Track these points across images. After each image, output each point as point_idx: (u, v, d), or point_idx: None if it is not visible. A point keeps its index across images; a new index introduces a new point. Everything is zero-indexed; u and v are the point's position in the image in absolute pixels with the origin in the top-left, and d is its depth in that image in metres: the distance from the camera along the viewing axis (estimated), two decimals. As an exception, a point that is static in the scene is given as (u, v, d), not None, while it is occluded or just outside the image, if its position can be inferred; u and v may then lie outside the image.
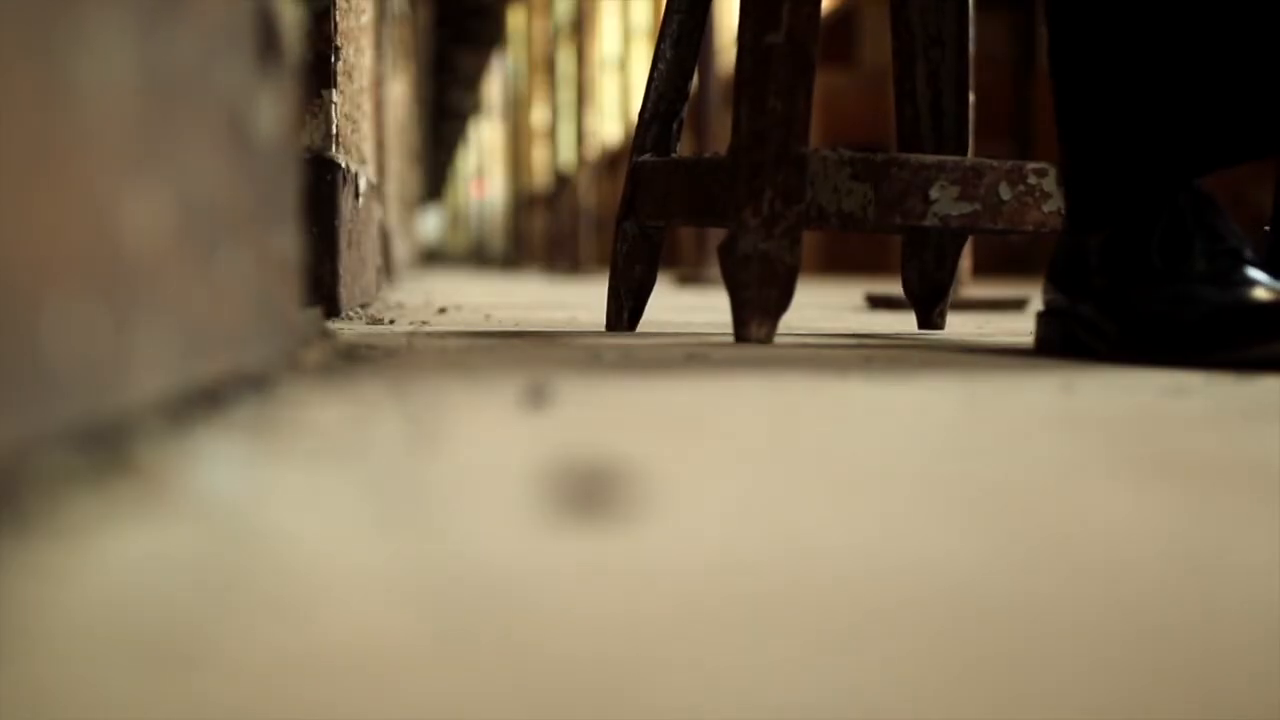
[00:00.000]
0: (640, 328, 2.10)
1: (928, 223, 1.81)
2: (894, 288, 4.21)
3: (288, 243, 1.03)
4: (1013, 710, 0.38)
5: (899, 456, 0.80)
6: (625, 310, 2.03)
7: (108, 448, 0.67)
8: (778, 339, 1.86)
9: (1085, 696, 0.39)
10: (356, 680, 0.39)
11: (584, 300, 3.57)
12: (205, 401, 0.84)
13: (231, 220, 0.87)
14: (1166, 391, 1.16)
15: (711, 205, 1.83)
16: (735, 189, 1.76)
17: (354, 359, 1.34)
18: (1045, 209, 1.85)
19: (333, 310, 2.14)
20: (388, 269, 4.04)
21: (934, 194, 1.81)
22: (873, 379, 1.27)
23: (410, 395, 1.04)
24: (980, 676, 0.40)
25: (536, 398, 1.03)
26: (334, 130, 2.16)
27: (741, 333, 1.74)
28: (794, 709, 0.37)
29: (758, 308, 1.74)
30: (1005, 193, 1.83)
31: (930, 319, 2.20)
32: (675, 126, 2.01)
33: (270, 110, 0.95)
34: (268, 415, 0.88)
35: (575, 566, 0.52)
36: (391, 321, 2.20)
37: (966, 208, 1.82)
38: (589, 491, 0.67)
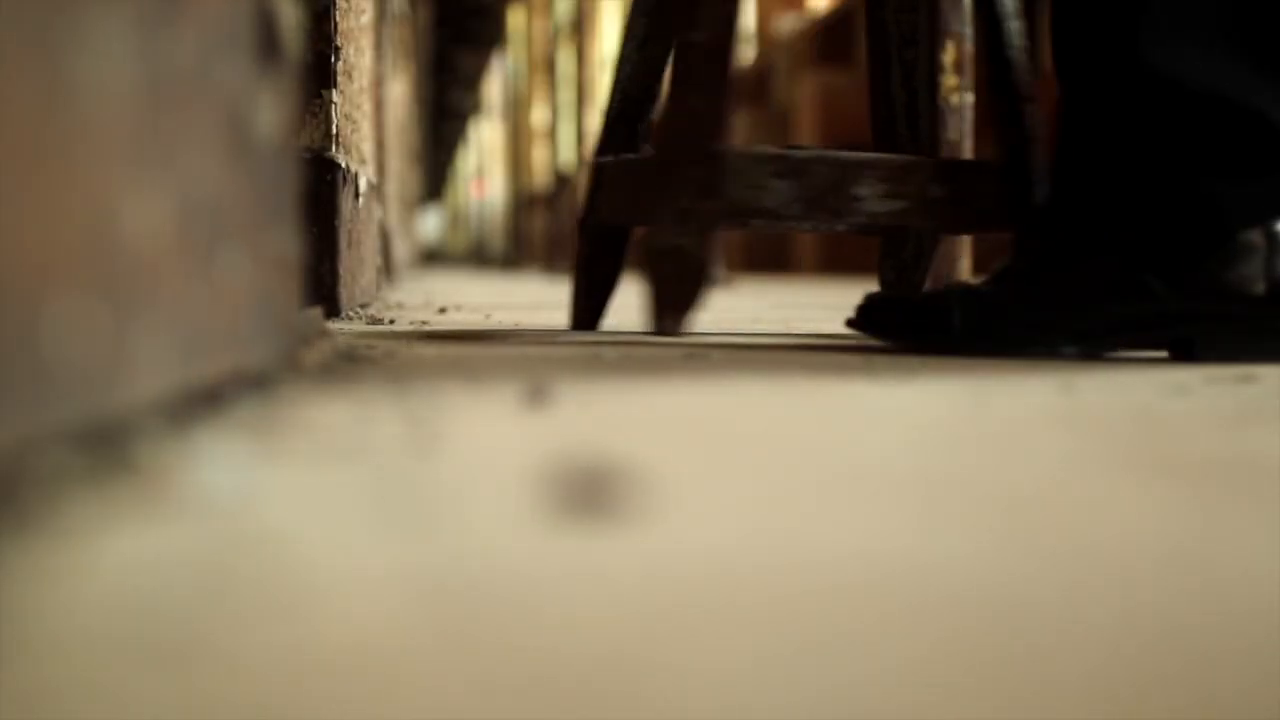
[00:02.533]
0: (639, 327, 2.10)
1: (855, 220, 1.82)
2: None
3: (288, 243, 1.03)
4: (1012, 709, 0.38)
5: (899, 457, 0.80)
6: (588, 310, 2.04)
7: (108, 448, 0.67)
8: (777, 339, 1.86)
9: (1084, 695, 0.39)
10: (356, 680, 0.39)
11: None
12: (205, 401, 0.84)
13: (231, 220, 0.87)
14: (1166, 391, 1.16)
15: (642, 203, 1.85)
16: (656, 186, 1.79)
17: (354, 359, 1.34)
18: (978, 207, 1.84)
19: (333, 310, 2.14)
20: (388, 269, 4.04)
21: (861, 191, 1.81)
22: (873, 379, 1.27)
23: (410, 395, 1.04)
24: (980, 675, 0.40)
25: (537, 398, 1.03)
26: (334, 130, 2.16)
27: (654, 325, 1.77)
28: (795, 709, 0.37)
29: (671, 302, 1.77)
30: (936, 190, 1.83)
31: None
32: (641, 127, 2.02)
33: (270, 110, 0.95)
34: (268, 415, 0.88)
35: (575, 567, 0.52)
36: (391, 321, 2.20)
37: (895, 205, 1.82)
38: (589, 492, 0.67)
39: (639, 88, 2.01)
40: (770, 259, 8.45)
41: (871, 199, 1.81)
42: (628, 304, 2.35)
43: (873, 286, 2.08)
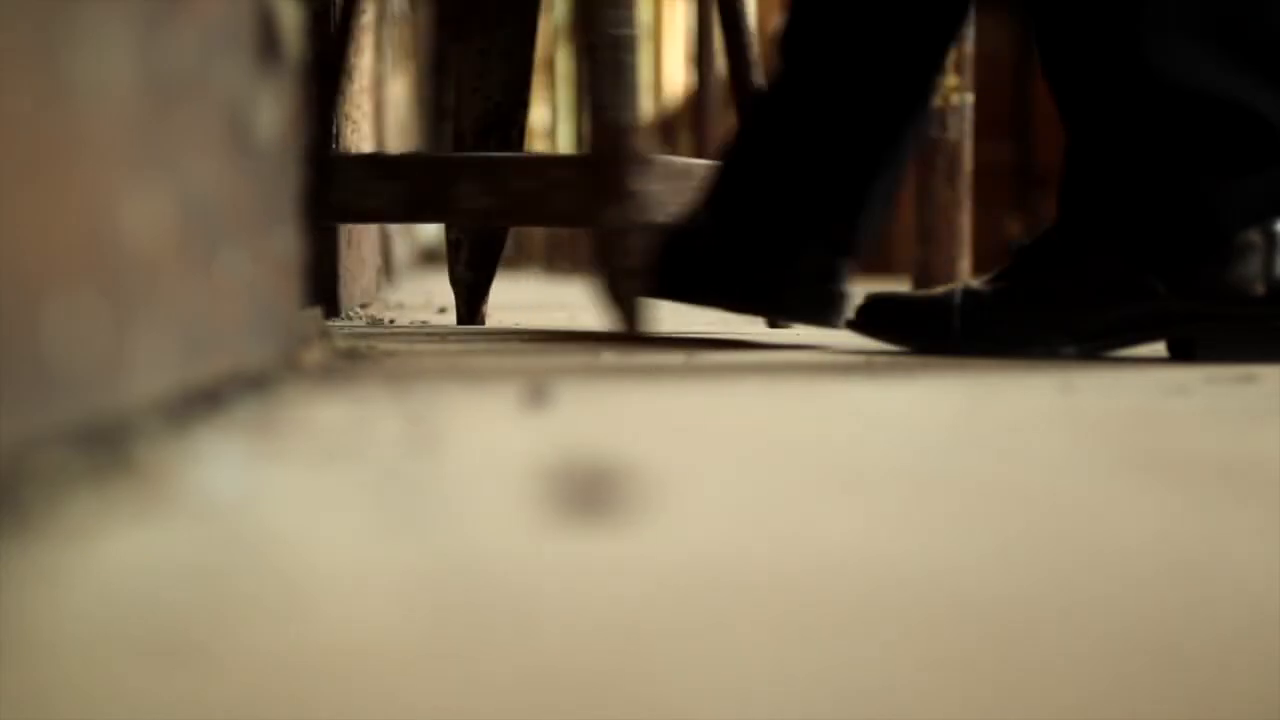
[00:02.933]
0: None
1: (457, 218, 1.91)
2: (895, 288, 4.19)
3: (288, 243, 1.03)
4: (1010, 708, 0.38)
5: (899, 457, 0.80)
6: (464, 306, 2.15)
7: (108, 448, 0.67)
8: (779, 339, 1.86)
9: (1082, 695, 0.39)
10: (356, 680, 0.39)
11: (584, 301, 3.57)
12: (205, 401, 0.84)
13: (231, 220, 0.87)
14: (1166, 391, 1.16)
15: None
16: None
17: (354, 359, 1.34)
18: (562, 202, 1.85)
19: (333, 310, 2.14)
20: (388, 269, 4.03)
21: (458, 190, 1.86)
22: (873, 379, 1.27)
23: (410, 395, 1.04)
24: (979, 675, 0.40)
25: (536, 398, 1.03)
26: (334, 130, 2.16)
27: None
28: (793, 708, 0.37)
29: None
30: (523, 186, 1.85)
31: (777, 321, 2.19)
32: (515, 133, 2.10)
33: (270, 110, 0.95)
34: (268, 415, 0.88)
35: (575, 567, 0.52)
36: (391, 321, 2.20)
37: (490, 202, 1.87)
38: (589, 491, 0.67)
39: (509, 94, 2.08)
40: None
41: (468, 197, 1.87)
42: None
43: (872, 288, 2.08)
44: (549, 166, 1.86)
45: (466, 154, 1.95)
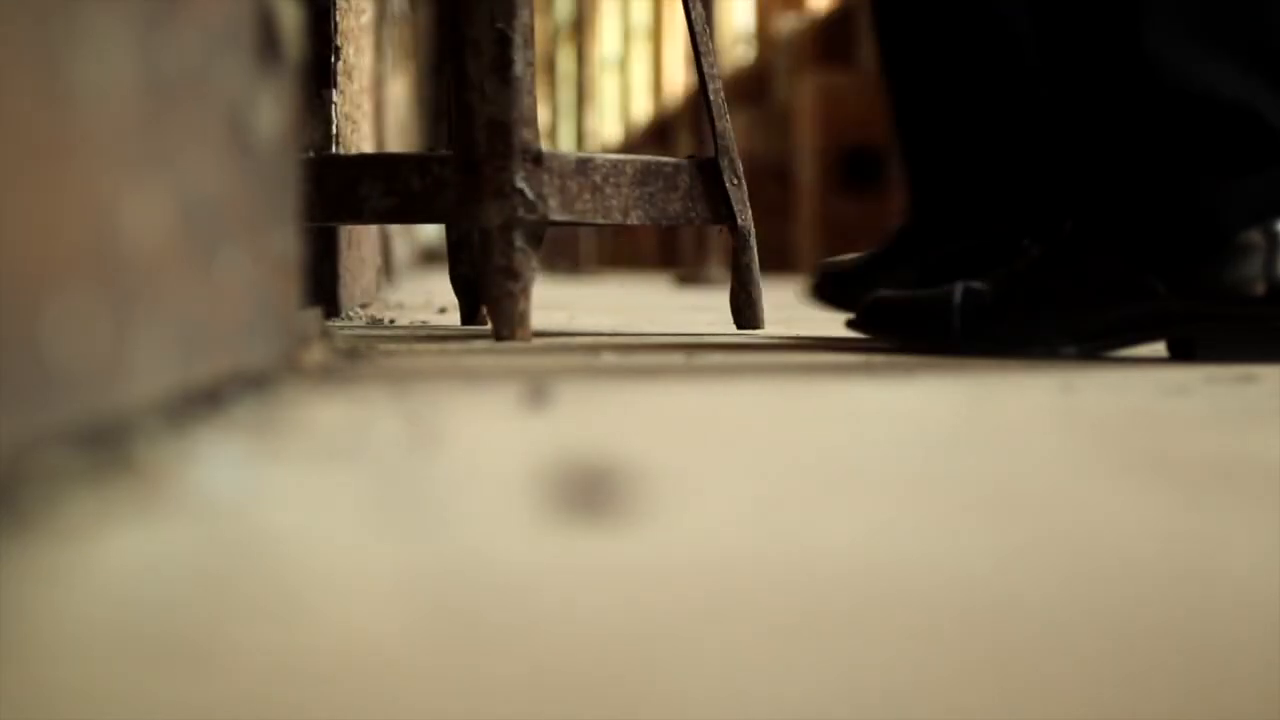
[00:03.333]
0: (639, 327, 2.10)
1: (369, 218, 1.89)
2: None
3: (288, 243, 1.03)
4: (1010, 709, 0.38)
5: (898, 457, 0.80)
6: (466, 306, 2.15)
7: (108, 448, 0.67)
8: (777, 339, 1.86)
9: (1081, 695, 0.39)
10: (356, 680, 0.39)
11: (584, 301, 3.57)
12: (205, 401, 0.84)
13: (231, 220, 0.87)
14: (1166, 391, 1.16)
15: None
16: None
17: (354, 359, 1.34)
18: (446, 198, 1.85)
19: (333, 310, 2.14)
20: (388, 269, 4.03)
21: (364, 191, 1.85)
22: (873, 379, 1.27)
23: (410, 395, 1.04)
24: (978, 675, 0.40)
25: (536, 398, 1.03)
26: (334, 130, 2.16)
27: None
28: (793, 707, 0.37)
29: None
30: (415, 184, 1.85)
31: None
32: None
33: (270, 110, 0.95)
34: (268, 415, 0.88)
35: (575, 566, 0.52)
36: (391, 321, 2.20)
37: (390, 202, 1.86)
38: (589, 491, 0.67)
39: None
40: (771, 260, 8.44)
41: (374, 197, 1.87)
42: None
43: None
44: (434, 165, 1.85)
45: (374, 153, 1.93)
